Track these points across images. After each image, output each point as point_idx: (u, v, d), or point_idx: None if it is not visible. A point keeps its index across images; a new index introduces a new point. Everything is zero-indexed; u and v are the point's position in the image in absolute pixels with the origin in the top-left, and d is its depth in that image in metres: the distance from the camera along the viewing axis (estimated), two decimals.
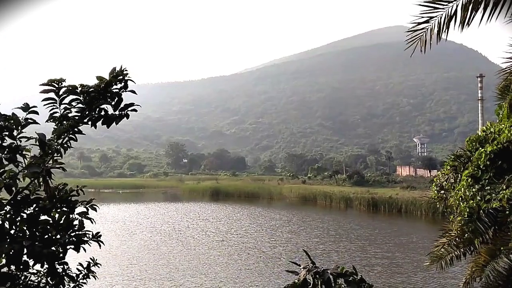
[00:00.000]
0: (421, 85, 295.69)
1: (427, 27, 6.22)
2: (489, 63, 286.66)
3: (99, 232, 3.52)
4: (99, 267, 4.15)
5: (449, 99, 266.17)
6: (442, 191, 8.13)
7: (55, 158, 3.11)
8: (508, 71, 8.23)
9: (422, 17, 6.17)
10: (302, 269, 2.97)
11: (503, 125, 8.44)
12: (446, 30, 5.99)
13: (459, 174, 7.76)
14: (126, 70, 3.23)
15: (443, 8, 5.88)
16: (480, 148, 8.00)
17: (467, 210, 6.73)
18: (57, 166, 3.07)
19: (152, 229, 37.67)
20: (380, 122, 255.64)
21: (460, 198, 6.74)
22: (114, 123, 3.20)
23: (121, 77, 3.19)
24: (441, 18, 5.98)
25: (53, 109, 3.16)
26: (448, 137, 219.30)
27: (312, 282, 2.86)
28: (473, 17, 5.71)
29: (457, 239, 7.93)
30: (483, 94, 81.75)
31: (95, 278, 4.02)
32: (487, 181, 7.13)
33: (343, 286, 2.93)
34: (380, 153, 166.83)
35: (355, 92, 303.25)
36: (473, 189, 7.03)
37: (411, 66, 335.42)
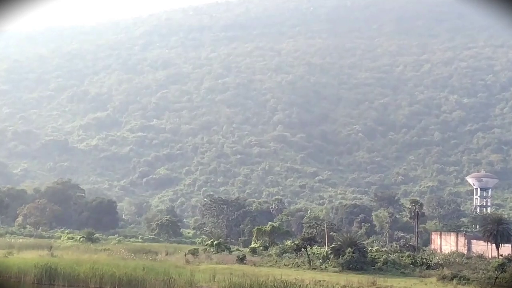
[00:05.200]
0: (486, 69, 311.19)
1: None
2: None
3: None
4: None
5: None
6: None
7: None
8: None
9: None
10: None
11: None
12: None
13: None
14: None
15: None
16: None
17: None
18: None
19: None
20: (403, 140, 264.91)
21: None
22: None
23: None
24: None
25: None
26: None
27: None
28: None
29: None
30: None
31: None
32: None
33: None
34: (400, 204, 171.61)
35: (353, 76, 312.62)
36: None
37: (468, 30, 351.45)
